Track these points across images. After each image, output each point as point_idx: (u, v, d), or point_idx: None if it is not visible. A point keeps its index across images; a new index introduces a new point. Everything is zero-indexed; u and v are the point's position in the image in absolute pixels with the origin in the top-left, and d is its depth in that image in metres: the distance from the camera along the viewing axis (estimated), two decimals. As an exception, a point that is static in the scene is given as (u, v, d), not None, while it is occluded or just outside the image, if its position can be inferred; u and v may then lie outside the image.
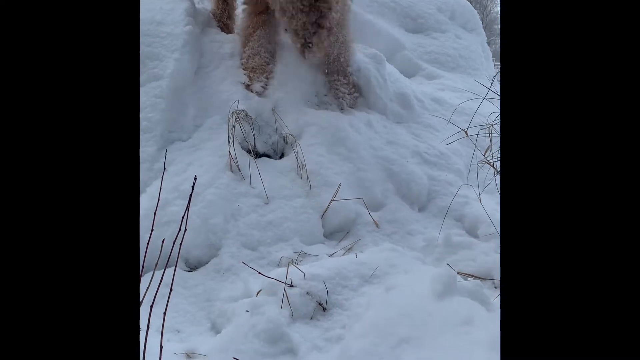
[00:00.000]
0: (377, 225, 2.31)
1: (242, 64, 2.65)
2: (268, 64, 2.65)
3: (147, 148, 2.30)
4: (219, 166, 2.29)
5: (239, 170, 2.31)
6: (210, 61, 2.58)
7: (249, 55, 2.63)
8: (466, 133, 2.38)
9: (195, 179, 1.57)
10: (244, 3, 2.81)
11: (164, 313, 1.50)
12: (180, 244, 1.56)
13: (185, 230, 1.55)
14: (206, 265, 2.07)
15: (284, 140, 2.53)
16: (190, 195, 1.53)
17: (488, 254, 2.07)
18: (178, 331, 1.83)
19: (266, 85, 2.62)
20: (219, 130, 2.45)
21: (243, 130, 2.40)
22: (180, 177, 2.25)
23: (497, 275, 1.92)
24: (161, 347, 1.49)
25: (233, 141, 2.33)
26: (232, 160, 2.28)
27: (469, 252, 2.11)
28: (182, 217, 1.53)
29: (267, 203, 2.25)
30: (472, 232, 2.39)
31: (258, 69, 2.59)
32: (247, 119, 2.40)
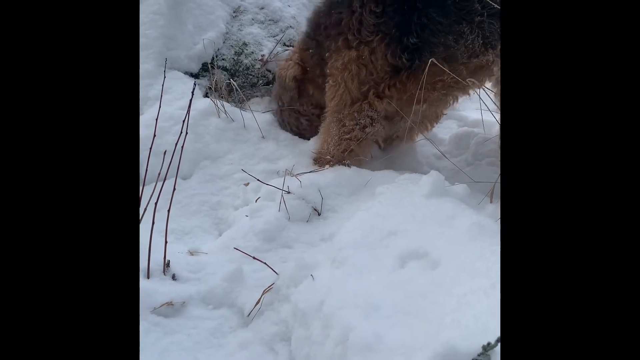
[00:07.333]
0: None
1: None
2: None
3: (145, 65, 2.31)
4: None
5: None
6: (208, -24, 2.54)
7: None
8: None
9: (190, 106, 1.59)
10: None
11: (168, 210, 1.59)
12: (182, 147, 1.63)
13: (187, 134, 1.62)
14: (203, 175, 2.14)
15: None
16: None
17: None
18: (186, 234, 1.94)
19: None
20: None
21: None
22: (175, 106, 2.26)
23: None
24: (166, 242, 1.60)
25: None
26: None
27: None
28: (183, 121, 1.59)
29: (263, 137, 2.28)
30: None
31: None
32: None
